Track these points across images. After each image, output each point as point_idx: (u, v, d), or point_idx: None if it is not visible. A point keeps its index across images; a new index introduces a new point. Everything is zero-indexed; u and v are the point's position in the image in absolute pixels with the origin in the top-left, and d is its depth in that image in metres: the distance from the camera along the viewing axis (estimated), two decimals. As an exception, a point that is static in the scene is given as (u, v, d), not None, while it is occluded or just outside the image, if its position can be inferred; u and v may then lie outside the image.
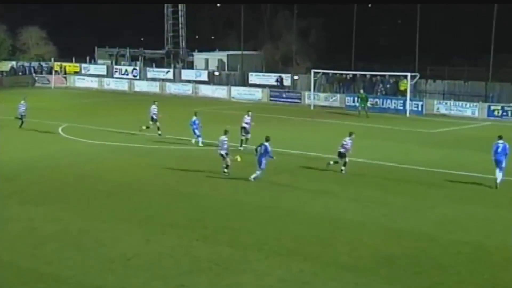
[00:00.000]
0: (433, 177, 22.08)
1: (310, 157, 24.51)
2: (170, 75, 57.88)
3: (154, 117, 30.11)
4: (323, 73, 47.44)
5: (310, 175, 21.74)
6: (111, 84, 57.98)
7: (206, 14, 79.08)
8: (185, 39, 67.56)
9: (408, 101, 41.03)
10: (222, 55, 61.22)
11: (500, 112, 38.99)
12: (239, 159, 21.70)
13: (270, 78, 51.99)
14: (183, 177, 21.49)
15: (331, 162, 22.33)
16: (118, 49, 68.10)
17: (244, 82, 53.10)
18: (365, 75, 46.30)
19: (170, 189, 19.79)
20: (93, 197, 18.70)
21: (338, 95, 45.40)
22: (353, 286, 12.42)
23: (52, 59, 63.81)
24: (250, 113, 27.05)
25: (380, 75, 45.42)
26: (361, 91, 41.28)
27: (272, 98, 48.02)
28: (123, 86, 57.10)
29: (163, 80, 56.18)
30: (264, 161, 20.52)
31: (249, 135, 26.49)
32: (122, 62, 65.84)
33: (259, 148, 20.68)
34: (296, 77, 50.89)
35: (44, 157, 24.80)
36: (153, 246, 14.50)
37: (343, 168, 22.05)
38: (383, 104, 42.47)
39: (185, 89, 53.34)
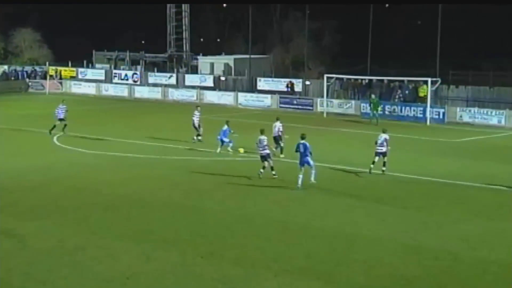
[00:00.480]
0: (455, 190, 22.01)
1: (324, 168, 24.49)
2: (173, 80, 58.11)
3: (196, 124, 31.07)
4: (337, 78, 47.52)
5: (323, 188, 21.71)
6: (110, 90, 58.26)
7: (211, 15, 79.45)
8: (189, 42, 67.90)
9: (428, 109, 40.99)
10: (229, 59, 61.43)
11: (529, 120, 38.88)
12: (242, 151, 21.95)
13: (280, 84, 52.08)
14: (187, 190, 21.52)
15: (384, 168, 23.64)
16: (117, 53, 68.53)
17: (252, 88, 53.21)
18: (382, 80, 46.32)
19: (173, 203, 19.82)
20: (90, 211, 18.75)
21: (353, 101, 45.42)
22: (370, 308, 12.37)
23: (47, 63, 64.26)
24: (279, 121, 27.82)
25: (398, 81, 45.41)
26: (373, 96, 41.36)
27: (282, 105, 48.07)
28: (123, 92, 57.36)
29: (166, 85, 56.41)
30: (309, 158, 21.00)
31: (281, 144, 26.93)
32: (122, 67, 66.21)
33: (300, 147, 21.10)
34: (308, 83, 50.96)
35: (38, 168, 24.91)
36: (153, 264, 14.51)
37: (384, 168, 23.47)
38: (401, 111, 42.44)
39: (189, 95, 53.51)
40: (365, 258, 14.99)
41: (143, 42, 75.60)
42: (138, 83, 59.44)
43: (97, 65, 66.92)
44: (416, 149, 30.60)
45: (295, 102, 48.05)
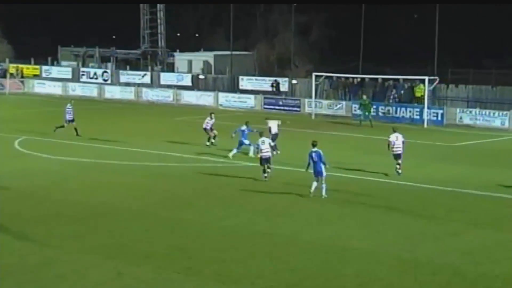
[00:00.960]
0: (455, 198, 22.12)
1: (312, 177, 24.47)
2: (147, 79, 57.98)
3: (208, 127, 31.62)
4: (326, 77, 47.65)
5: (312, 197, 21.72)
6: (77, 90, 57.99)
7: (190, 8, 79.39)
8: (165, 37, 67.73)
9: (425, 110, 41.25)
10: (208, 56, 61.42)
11: (535, 122, 39.20)
12: (259, 155, 23.94)
13: (264, 83, 52.15)
14: (163, 199, 21.44)
15: (398, 167, 24.75)
16: (85, 49, 68.18)
17: (234, 88, 53.22)
18: (375, 79, 46.54)
19: (148, 213, 19.74)
20: (56, 223, 18.62)
21: (344, 102, 45.60)
22: (363, 327, 12.39)
23: (7, 61, 63.76)
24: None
25: (393, 79, 45.66)
26: (364, 97, 41.57)
27: (266, 106, 48.14)
28: (92, 92, 57.12)
29: (139, 85, 56.25)
30: (323, 167, 21.22)
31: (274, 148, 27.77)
32: (91, 64, 65.91)
33: (313, 156, 21.34)
34: (294, 82, 51.07)
35: (-2, 175, 24.71)
36: (125, 280, 14.42)
37: (399, 170, 24.69)
38: (396, 113, 42.68)
39: (165, 96, 53.42)
40: (357, 273, 15.01)
41: (114, 37, 75.37)
42: (109, 82, 59.23)
43: (63, 63, 66.58)
44: (413, 153, 30.67)
45: (280, 103, 48.15)
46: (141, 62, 67.07)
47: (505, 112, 40.02)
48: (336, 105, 45.54)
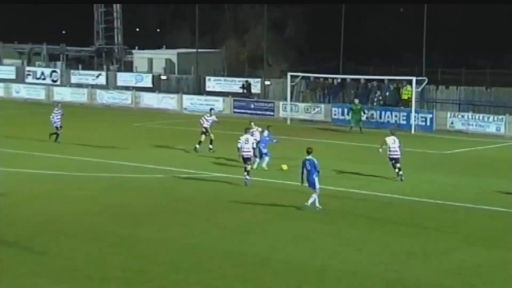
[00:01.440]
0: (446, 212, 22.32)
1: (288, 189, 24.59)
2: (101, 80, 57.68)
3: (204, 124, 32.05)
4: (303, 77, 47.86)
5: (288, 212, 21.80)
6: (22, 92, 57.57)
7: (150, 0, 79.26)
8: (122, 33, 67.52)
9: (413, 114, 41.56)
10: (171, 54, 61.34)
11: (533, 127, 39.66)
12: (285, 167, 25.98)
13: (234, 84, 52.21)
14: (120, 215, 21.35)
15: (398, 171, 26.08)
16: (31, 46, 67.67)
17: (200, 89, 53.21)
18: (357, 80, 46.80)
19: (102, 231, 19.63)
20: (-3, 243, 18.43)
21: (323, 105, 45.82)
22: None
23: None
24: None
25: (377, 80, 45.99)
26: (356, 101, 41.58)
27: (236, 110, 48.21)
28: (39, 94, 56.72)
29: (93, 86, 55.97)
30: (316, 179, 21.45)
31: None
32: (37, 63, 65.41)
33: (306, 165, 21.55)
34: (267, 83, 51.20)
35: None
36: (78, 307, 14.35)
37: (400, 173, 26.11)
38: (380, 117, 42.94)
39: (122, 98, 53.24)
40: (338, 296, 15.09)
41: (63, 32, 74.94)
42: (58, 83, 58.83)
43: (6, 61, 65.98)
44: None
45: (252, 106, 48.23)
46: (95, 61, 66.72)
47: (500, 117, 40.30)
48: (314, 109, 45.73)
